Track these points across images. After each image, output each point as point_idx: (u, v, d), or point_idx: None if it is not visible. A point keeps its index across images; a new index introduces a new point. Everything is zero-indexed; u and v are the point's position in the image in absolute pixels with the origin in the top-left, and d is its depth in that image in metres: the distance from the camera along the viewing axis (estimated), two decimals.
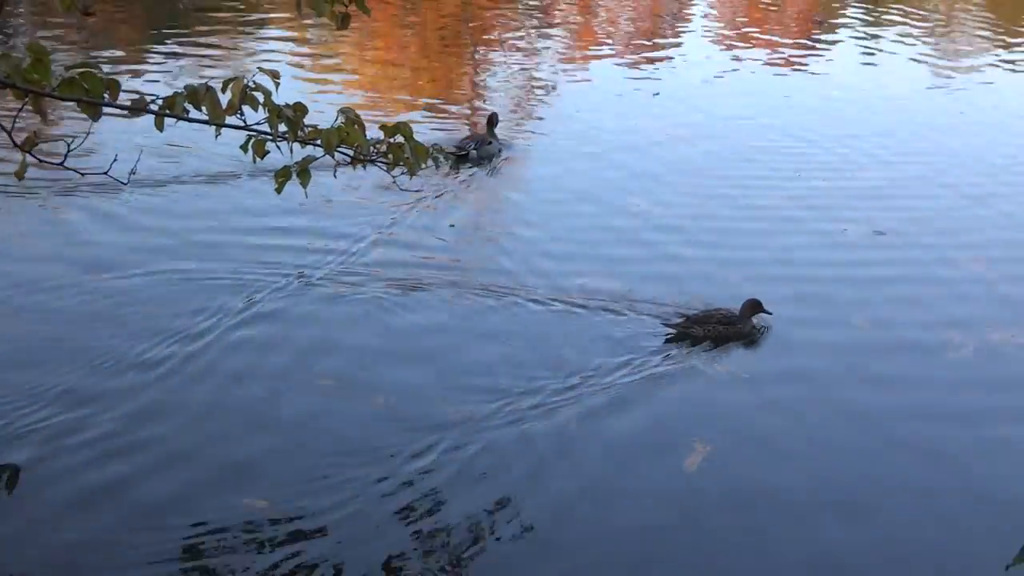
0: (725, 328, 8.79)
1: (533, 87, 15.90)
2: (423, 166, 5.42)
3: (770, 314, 8.93)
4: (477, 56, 18.03)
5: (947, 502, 6.66)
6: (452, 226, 10.61)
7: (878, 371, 8.24)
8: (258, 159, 5.11)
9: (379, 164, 5.46)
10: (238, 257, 9.49)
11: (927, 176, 12.71)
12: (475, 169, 12.42)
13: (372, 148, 5.34)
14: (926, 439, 7.34)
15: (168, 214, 10.47)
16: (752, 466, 6.95)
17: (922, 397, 7.91)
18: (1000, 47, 19.19)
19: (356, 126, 5.12)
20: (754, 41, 18.85)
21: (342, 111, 5.16)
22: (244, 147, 5.14)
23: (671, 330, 8.75)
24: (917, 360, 8.48)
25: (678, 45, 18.98)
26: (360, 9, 4.34)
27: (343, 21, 4.48)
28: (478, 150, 12.70)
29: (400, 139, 5.32)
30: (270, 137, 5.03)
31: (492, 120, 13.08)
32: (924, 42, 19.35)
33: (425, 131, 12.99)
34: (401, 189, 5.88)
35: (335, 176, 5.21)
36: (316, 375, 7.75)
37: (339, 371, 7.82)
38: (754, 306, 8.96)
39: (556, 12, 21.27)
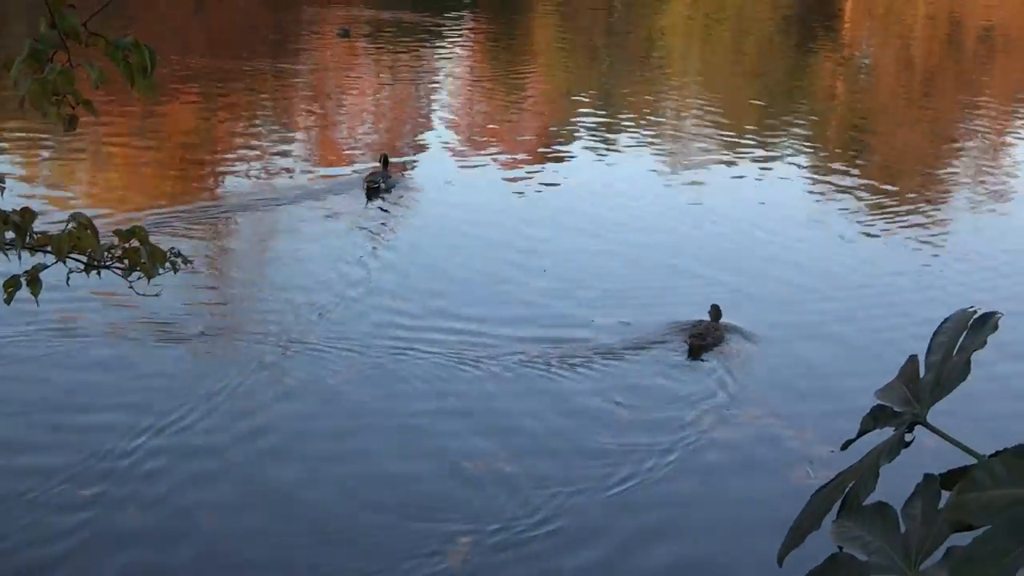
0: (720, 333, 10.57)
1: (276, 195, 15.76)
2: (161, 271, 5.27)
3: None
4: (218, 158, 17.83)
5: None
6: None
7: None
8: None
9: (115, 270, 5.28)
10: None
11: (661, 266, 13.29)
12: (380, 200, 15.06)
13: (106, 253, 5.17)
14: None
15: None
16: None
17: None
18: (725, 150, 20.26)
19: (88, 231, 4.94)
20: (491, 150, 19.24)
21: (73, 216, 4.98)
22: None
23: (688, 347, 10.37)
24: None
25: (418, 153, 19.20)
26: (87, 110, 4.22)
27: (71, 123, 4.34)
28: (386, 183, 15.48)
29: (136, 243, 5.17)
30: None
31: (386, 159, 15.96)
32: (654, 148, 20.23)
33: (164, 229, 12.82)
34: (138, 294, 5.71)
35: (68, 284, 5.00)
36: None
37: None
38: (718, 309, 10.76)
39: (298, 120, 21.28)
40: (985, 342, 1.82)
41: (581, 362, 10.18)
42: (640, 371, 10.33)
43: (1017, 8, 44.86)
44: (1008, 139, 22.15)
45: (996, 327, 1.83)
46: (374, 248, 13.45)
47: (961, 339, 1.85)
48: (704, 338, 10.40)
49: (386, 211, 14.80)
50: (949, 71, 30.58)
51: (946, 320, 1.92)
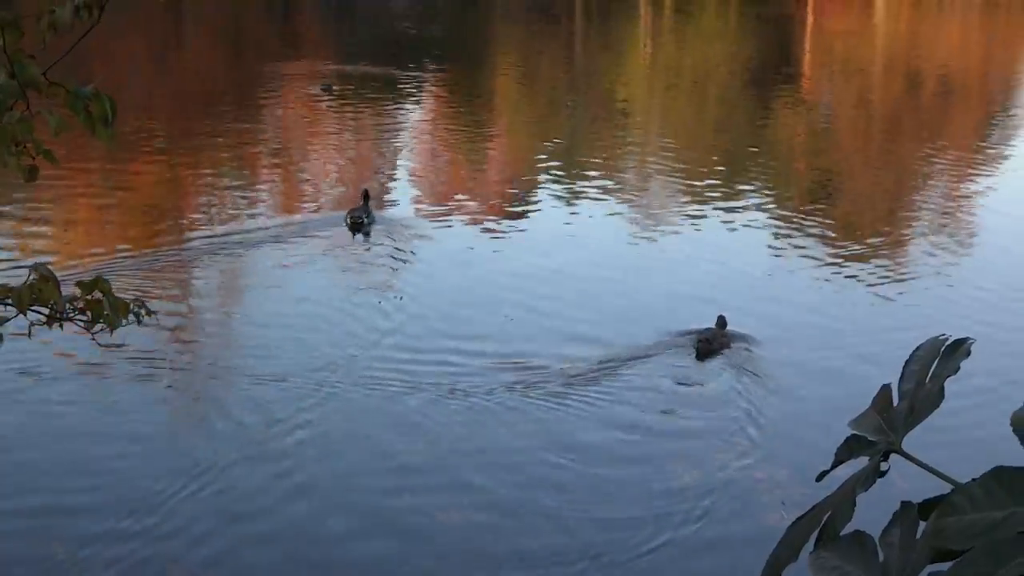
0: (726, 339, 11.41)
1: (244, 245, 15.75)
2: (124, 322, 5.21)
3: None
4: (186, 206, 17.83)
5: None
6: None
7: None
8: None
9: (77, 322, 5.21)
10: None
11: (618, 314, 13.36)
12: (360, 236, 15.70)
13: (69, 305, 5.10)
14: None
15: None
16: None
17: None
18: (691, 198, 20.35)
19: (50, 282, 4.88)
20: (460, 204, 19.26)
21: (35, 267, 4.92)
22: None
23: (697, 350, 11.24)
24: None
25: (390, 196, 19.22)
26: (48, 160, 4.18)
27: (31, 173, 4.28)
28: (368, 217, 16.20)
29: (99, 295, 5.11)
30: None
31: (367, 195, 16.55)
32: (619, 196, 20.31)
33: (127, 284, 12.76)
34: (101, 345, 5.64)
35: (30, 337, 4.93)
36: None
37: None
38: (724, 319, 11.62)
39: (265, 170, 21.26)
40: (958, 368, 1.81)
41: (591, 397, 10.37)
42: (650, 379, 10.90)
43: (973, 55, 45.59)
44: (968, 180, 22.40)
45: (968, 353, 1.82)
46: (353, 287, 13.66)
47: (933, 366, 1.84)
48: (711, 343, 11.27)
49: (367, 250, 14.99)
50: (908, 117, 30.94)
51: (918, 348, 1.91)
